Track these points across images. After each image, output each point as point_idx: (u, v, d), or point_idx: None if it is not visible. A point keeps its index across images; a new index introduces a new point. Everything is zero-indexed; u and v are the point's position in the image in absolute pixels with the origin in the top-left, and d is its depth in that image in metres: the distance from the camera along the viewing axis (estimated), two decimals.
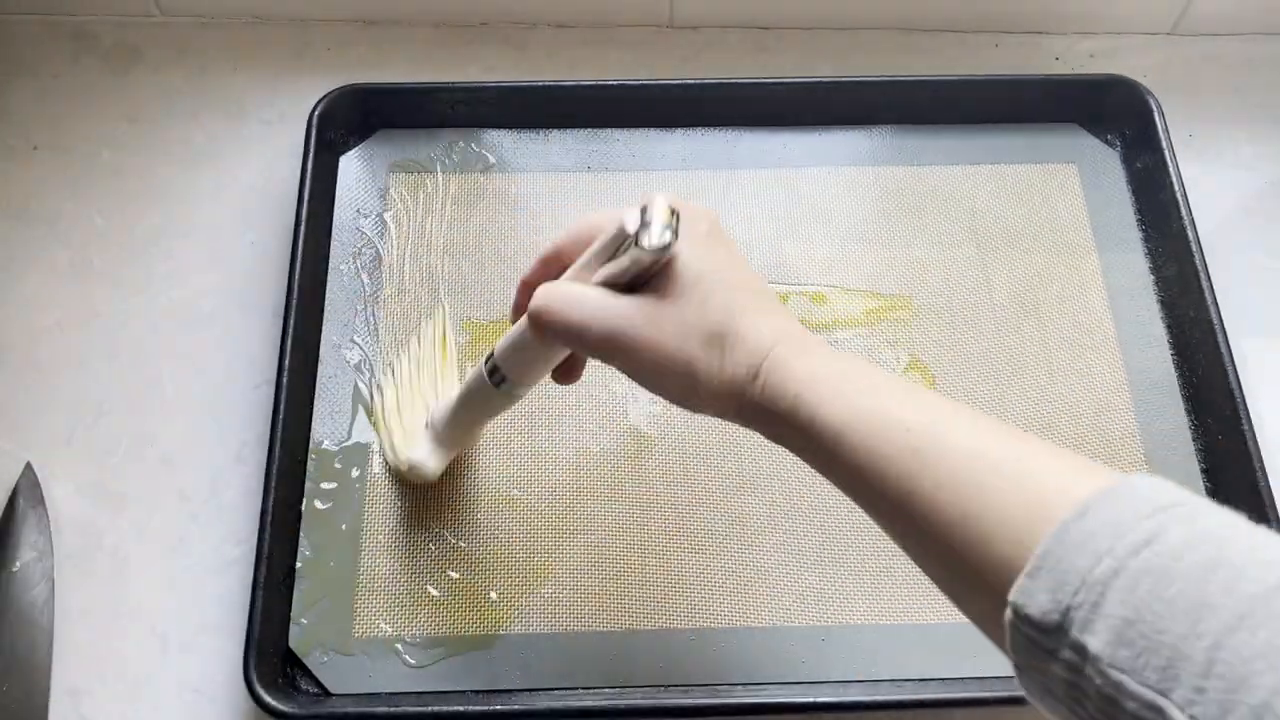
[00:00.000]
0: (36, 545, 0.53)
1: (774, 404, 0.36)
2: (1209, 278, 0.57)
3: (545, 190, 0.62)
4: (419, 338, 0.57)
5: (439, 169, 0.62)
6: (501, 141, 0.63)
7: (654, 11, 0.68)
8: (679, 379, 0.38)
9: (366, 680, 0.49)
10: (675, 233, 0.36)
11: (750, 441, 0.54)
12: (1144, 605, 0.26)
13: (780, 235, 0.61)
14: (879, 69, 0.68)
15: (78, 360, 0.58)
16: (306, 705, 0.48)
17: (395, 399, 0.55)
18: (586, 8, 0.68)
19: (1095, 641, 0.27)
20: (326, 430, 0.54)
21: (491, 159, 0.62)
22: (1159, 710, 0.25)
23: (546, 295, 0.39)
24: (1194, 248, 0.58)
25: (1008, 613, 0.29)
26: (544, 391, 0.55)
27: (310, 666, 0.49)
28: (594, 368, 0.45)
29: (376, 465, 0.54)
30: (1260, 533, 0.28)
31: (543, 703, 0.48)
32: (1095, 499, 0.29)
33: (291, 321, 0.55)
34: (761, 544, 0.52)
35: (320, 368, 0.56)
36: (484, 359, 0.46)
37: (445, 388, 0.55)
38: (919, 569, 0.35)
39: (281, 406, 0.53)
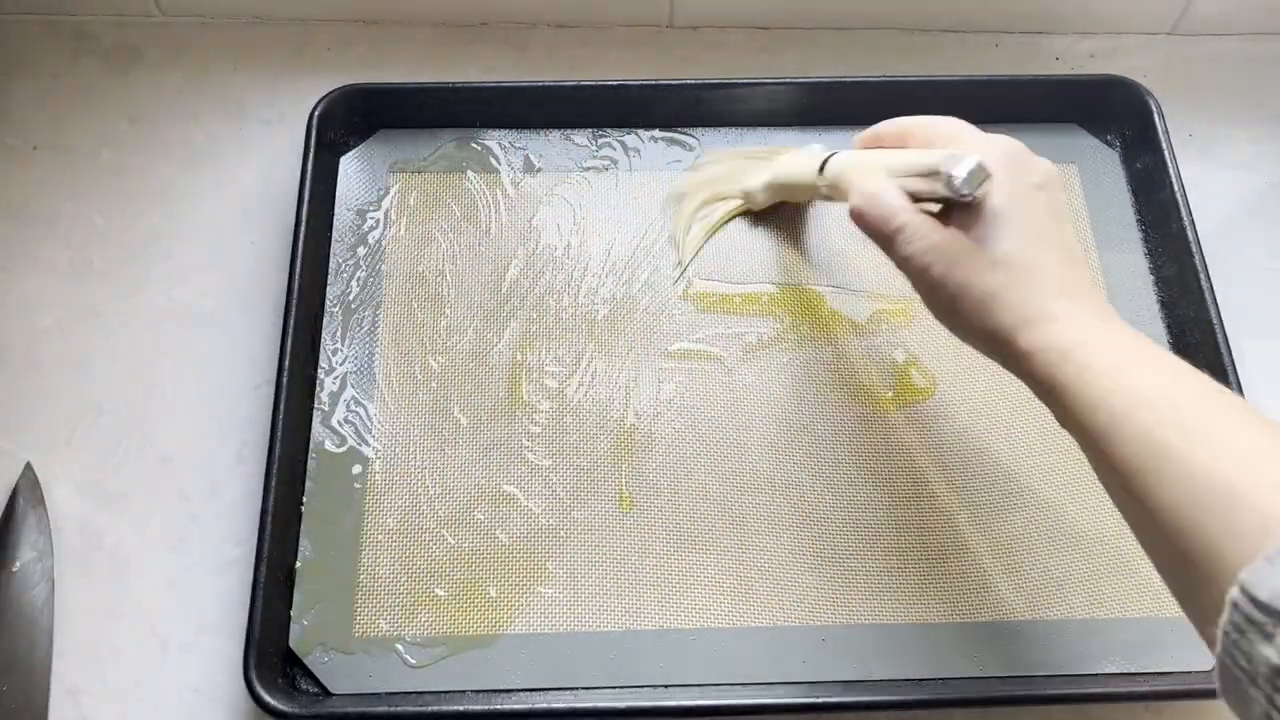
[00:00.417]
0: (36, 545, 0.53)
1: (1040, 371, 0.40)
2: (1209, 278, 0.57)
3: (546, 190, 0.62)
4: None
5: (439, 169, 0.62)
6: (502, 142, 0.63)
7: (654, 11, 0.69)
8: (954, 315, 0.43)
9: (366, 680, 0.49)
10: (974, 190, 0.41)
11: (750, 441, 0.55)
12: None
13: (781, 235, 0.61)
14: (879, 69, 0.68)
15: (77, 360, 0.58)
16: (306, 705, 0.48)
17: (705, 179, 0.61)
18: (586, 8, 0.68)
19: None
20: (326, 430, 0.54)
21: (492, 159, 0.62)
22: None
23: (869, 201, 0.44)
24: (1194, 248, 0.58)
25: (1234, 591, 0.30)
26: (544, 391, 0.55)
27: (310, 666, 0.49)
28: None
29: (377, 465, 0.54)
30: None
31: (542, 703, 0.48)
32: None
33: (291, 321, 0.55)
34: (761, 544, 0.52)
35: (320, 368, 0.56)
36: (825, 157, 0.51)
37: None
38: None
39: (281, 406, 0.53)
